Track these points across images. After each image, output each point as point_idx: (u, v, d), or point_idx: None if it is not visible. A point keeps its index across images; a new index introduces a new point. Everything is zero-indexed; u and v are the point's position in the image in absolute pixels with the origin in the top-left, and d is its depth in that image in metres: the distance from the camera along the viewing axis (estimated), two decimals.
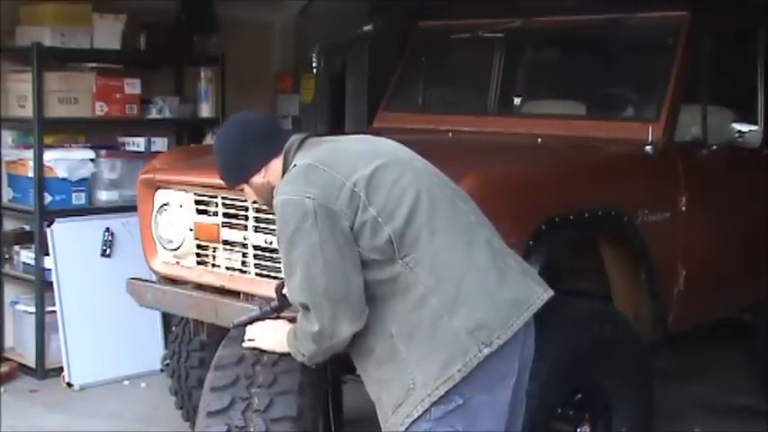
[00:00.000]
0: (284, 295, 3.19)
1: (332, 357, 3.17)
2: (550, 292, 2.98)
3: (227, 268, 4.07)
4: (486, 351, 2.78)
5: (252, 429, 3.19)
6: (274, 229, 3.88)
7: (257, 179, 3.06)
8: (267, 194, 3.02)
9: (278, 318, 3.29)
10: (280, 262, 3.87)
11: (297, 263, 2.83)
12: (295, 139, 3.06)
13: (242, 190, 3.17)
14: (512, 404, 2.93)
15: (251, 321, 3.33)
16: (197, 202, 4.13)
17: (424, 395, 2.79)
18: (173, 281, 4.26)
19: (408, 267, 2.82)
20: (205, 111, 6.58)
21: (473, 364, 2.78)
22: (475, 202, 3.17)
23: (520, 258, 3.08)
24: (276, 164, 3.03)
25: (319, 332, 2.85)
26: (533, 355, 3.00)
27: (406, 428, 2.83)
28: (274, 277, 3.93)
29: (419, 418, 2.81)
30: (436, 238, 2.83)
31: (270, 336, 3.24)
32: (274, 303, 3.25)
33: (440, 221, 2.86)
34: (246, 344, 3.30)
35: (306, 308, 2.87)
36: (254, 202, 3.22)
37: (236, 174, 3.10)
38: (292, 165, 2.97)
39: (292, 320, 3.13)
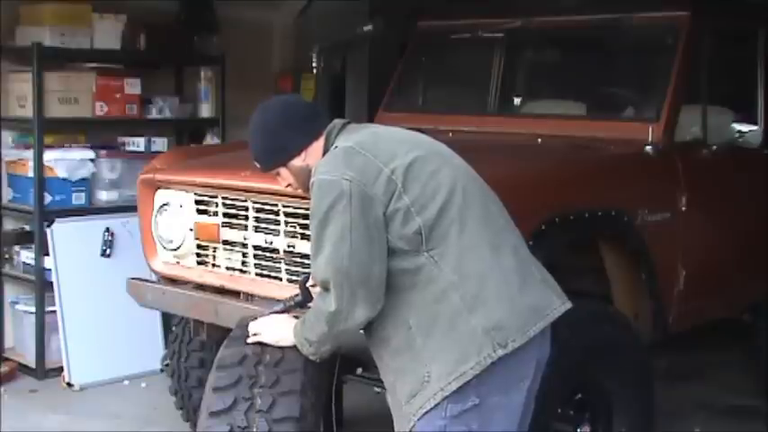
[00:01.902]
0: (308, 289, 3.20)
1: (332, 357, 3.18)
2: (568, 305, 3.01)
3: (227, 268, 4.07)
4: (500, 352, 2.80)
5: (255, 430, 3.19)
6: (274, 230, 3.90)
7: (297, 162, 3.05)
8: (305, 177, 3.00)
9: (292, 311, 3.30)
10: (279, 262, 3.89)
11: (325, 242, 2.84)
12: (337, 122, 3.07)
13: (276, 175, 3.14)
14: (524, 406, 2.95)
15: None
16: (197, 202, 4.13)
17: (437, 389, 2.81)
18: (173, 281, 4.26)
19: (433, 260, 2.84)
20: (205, 111, 6.58)
21: (486, 363, 2.80)
22: None
23: (542, 267, 3.09)
24: (317, 146, 3.03)
25: (335, 312, 2.86)
26: (547, 359, 3.02)
27: (419, 419, 2.85)
28: (274, 277, 3.94)
29: (432, 411, 2.83)
30: (465, 236, 2.85)
31: (274, 329, 3.24)
32: (298, 298, 3.26)
33: (470, 220, 2.87)
34: (251, 338, 3.30)
35: (326, 287, 2.88)
36: (288, 186, 3.17)
37: (276, 157, 3.07)
38: (333, 146, 2.98)
39: (297, 317, 3.14)
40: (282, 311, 3.30)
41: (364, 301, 2.83)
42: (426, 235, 2.83)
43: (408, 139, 3.04)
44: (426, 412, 2.83)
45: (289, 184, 3.14)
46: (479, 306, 2.82)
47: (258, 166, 3.15)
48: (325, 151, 3.00)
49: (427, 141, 3.07)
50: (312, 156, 3.02)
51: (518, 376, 2.89)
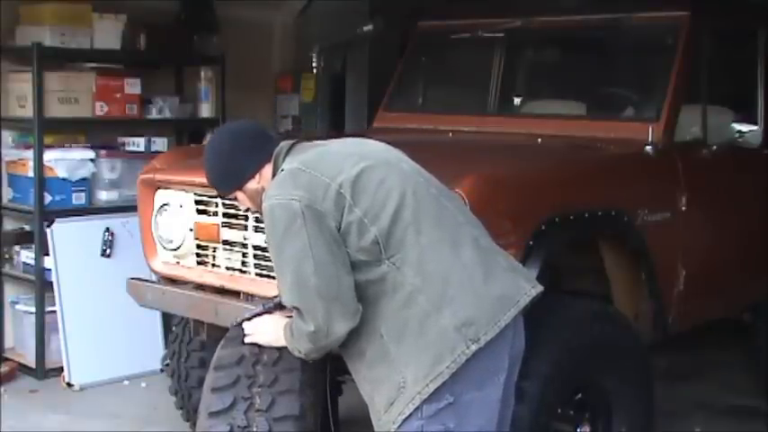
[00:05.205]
0: None
1: (330, 357, 3.18)
2: (539, 288, 3.00)
3: (227, 268, 4.07)
4: (473, 347, 2.81)
5: (255, 429, 3.19)
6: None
7: (252, 185, 3.09)
8: (261, 200, 3.03)
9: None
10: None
11: (287, 265, 2.87)
12: (284, 144, 3.09)
13: (234, 198, 3.19)
14: (502, 401, 2.95)
15: (253, 318, 3.33)
16: (197, 202, 4.13)
17: (414, 393, 2.82)
18: (173, 281, 4.26)
19: (395, 267, 2.85)
20: (205, 111, 6.58)
21: (461, 361, 2.80)
22: (475, 203, 3.17)
23: (509, 256, 3.10)
24: (268, 169, 3.07)
25: (315, 332, 2.87)
26: (523, 352, 3.02)
27: (399, 426, 2.86)
28: (274, 277, 3.93)
29: (411, 415, 2.83)
30: (422, 238, 2.86)
31: (267, 331, 3.24)
32: (277, 299, 3.26)
33: (425, 221, 2.88)
34: (246, 339, 3.30)
35: (299, 310, 2.89)
36: (247, 210, 3.22)
37: (231, 181, 3.12)
38: (280, 169, 3.00)
39: (289, 315, 3.14)
40: (263, 313, 3.30)
41: (341, 314, 2.84)
42: (384, 243, 2.84)
43: (355, 151, 3.03)
44: (406, 418, 2.84)
45: (248, 208, 3.19)
46: (446, 305, 2.82)
47: (216, 191, 3.19)
48: (274, 174, 3.03)
49: (375, 151, 3.07)
50: (265, 178, 3.06)
51: (492, 371, 2.89)
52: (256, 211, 3.21)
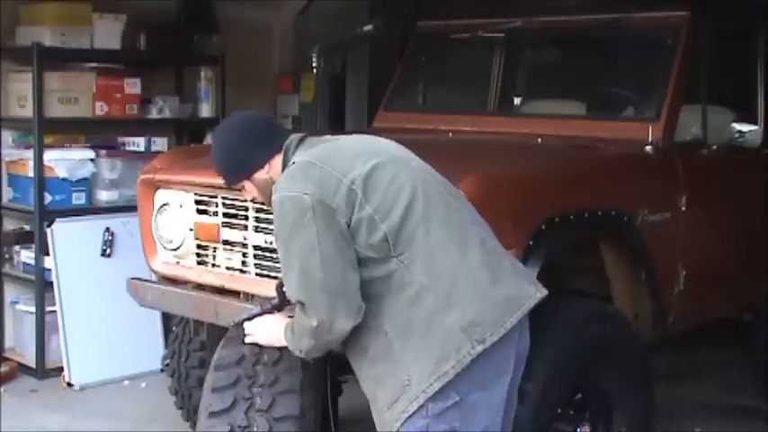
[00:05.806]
0: (284, 292, 3.20)
1: (331, 357, 3.18)
2: (543, 292, 3.02)
3: (228, 268, 4.07)
4: (479, 348, 2.81)
5: (255, 429, 3.20)
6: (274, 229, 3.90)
7: (261, 175, 3.08)
8: (270, 191, 3.02)
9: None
10: (279, 262, 3.88)
11: (295, 258, 2.86)
12: (294, 137, 3.09)
13: (241, 189, 3.17)
14: (506, 401, 2.96)
15: (251, 319, 3.33)
16: (197, 202, 4.13)
17: (419, 391, 2.82)
18: (173, 281, 4.26)
19: (403, 265, 2.85)
20: (205, 111, 6.58)
21: (466, 362, 2.81)
22: (475, 202, 3.18)
23: (513, 258, 3.11)
24: (278, 160, 3.06)
25: (318, 327, 2.87)
26: (528, 353, 3.03)
27: (402, 424, 2.86)
28: (274, 277, 3.93)
29: (415, 413, 2.84)
30: (431, 237, 2.86)
31: (268, 330, 3.24)
32: (275, 301, 3.26)
33: (435, 220, 2.89)
34: (246, 339, 3.30)
35: (303, 304, 2.89)
36: (253, 200, 3.21)
37: (240, 170, 3.10)
38: (291, 162, 2.99)
39: (290, 315, 3.14)
40: (263, 313, 3.29)
41: (344, 310, 2.84)
42: (393, 240, 2.84)
43: (366, 148, 3.04)
44: (410, 416, 2.84)
45: (254, 198, 3.18)
46: (453, 305, 2.83)
47: (223, 180, 3.19)
48: (284, 166, 3.02)
49: (384, 148, 3.08)
50: (274, 169, 3.05)
51: (497, 371, 2.90)
52: (262, 202, 3.20)
